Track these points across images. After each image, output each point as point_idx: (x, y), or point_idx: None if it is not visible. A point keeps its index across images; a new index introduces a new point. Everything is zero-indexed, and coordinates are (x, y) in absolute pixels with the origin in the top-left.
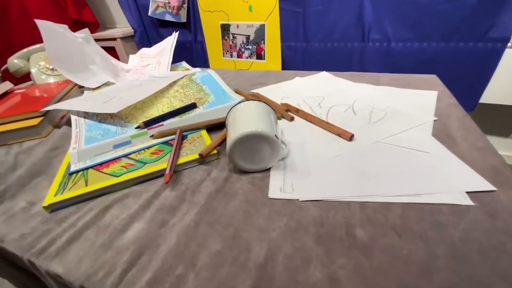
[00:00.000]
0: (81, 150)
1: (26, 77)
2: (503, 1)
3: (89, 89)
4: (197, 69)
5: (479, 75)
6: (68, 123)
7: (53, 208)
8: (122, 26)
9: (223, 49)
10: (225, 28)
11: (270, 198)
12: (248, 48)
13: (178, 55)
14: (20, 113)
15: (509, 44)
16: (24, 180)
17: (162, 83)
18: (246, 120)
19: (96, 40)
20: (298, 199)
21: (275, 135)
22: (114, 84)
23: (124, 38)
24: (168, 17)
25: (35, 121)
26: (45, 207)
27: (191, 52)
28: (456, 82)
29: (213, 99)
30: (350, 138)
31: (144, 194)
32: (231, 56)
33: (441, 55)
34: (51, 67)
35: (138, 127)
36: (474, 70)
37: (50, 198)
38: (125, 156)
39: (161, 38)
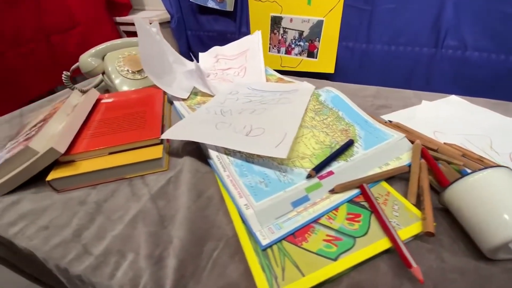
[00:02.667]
0: (259, 211)
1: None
2: None
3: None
4: (307, 84)
5: None
6: (183, 150)
7: None
8: (151, 9)
9: (270, 44)
10: (276, 21)
11: None
12: (299, 45)
13: (219, 44)
14: (137, 141)
15: None
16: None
17: (294, 105)
18: None
19: (128, 24)
20: None
21: None
22: (209, 97)
23: (161, 24)
24: (212, 4)
25: (158, 152)
26: None
27: None
28: None
29: (363, 133)
30: None
31: None
32: (278, 51)
33: None
34: (132, 70)
35: (309, 176)
36: None
37: None
38: (315, 221)
39: (199, 26)
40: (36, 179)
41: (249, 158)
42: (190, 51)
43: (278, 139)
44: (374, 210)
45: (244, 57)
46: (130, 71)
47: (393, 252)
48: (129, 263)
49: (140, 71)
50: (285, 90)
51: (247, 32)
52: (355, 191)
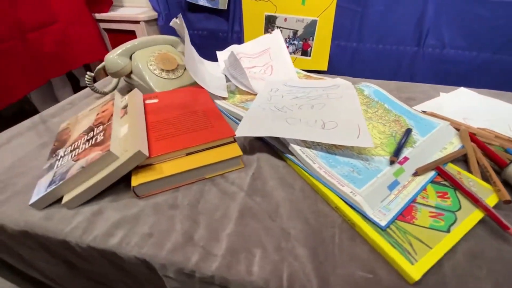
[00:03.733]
0: (366, 196)
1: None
2: None
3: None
4: (341, 80)
5: None
6: (250, 147)
7: None
8: (134, 5)
9: None
10: (270, 20)
11: None
12: (294, 44)
13: (208, 46)
14: (214, 140)
15: None
16: None
17: (348, 99)
18: None
19: (113, 21)
20: None
21: None
22: (247, 94)
23: (147, 22)
24: (202, 2)
25: (236, 150)
26: None
27: (224, 42)
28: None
29: (412, 123)
30: None
31: None
32: None
33: (488, 65)
34: (166, 69)
35: (392, 162)
36: None
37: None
38: (413, 201)
39: (189, 24)
40: (109, 187)
41: (330, 150)
42: None
43: (355, 130)
44: (458, 186)
45: (268, 55)
46: (164, 71)
47: (485, 221)
48: (260, 258)
49: (173, 71)
50: (326, 86)
51: (240, 31)
52: (433, 173)
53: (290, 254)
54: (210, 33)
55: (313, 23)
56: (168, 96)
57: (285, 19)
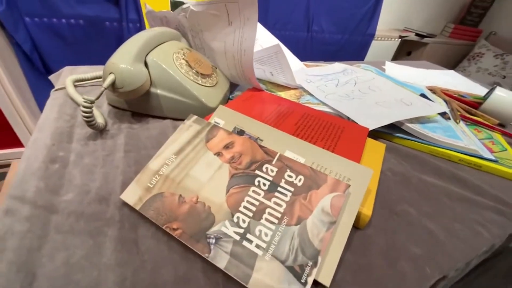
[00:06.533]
0: (470, 142)
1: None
2: (371, 15)
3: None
4: (340, 64)
5: (360, 55)
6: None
7: None
8: None
9: None
10: (177, 6)
11: None
12: None
13: (86, 40)
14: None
15: (374, 38)
16: None
17: (379, 79)
18: None
19: None
20: None
21: None
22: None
23: None
24: None
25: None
26: None
27: (116, 35)
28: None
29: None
30: None
31: None
32: None
33: (348, 44)
34: (204, 73)
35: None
36: (360, 54)
37: None
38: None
39: (49, 10)
40: None
41: (419, 121)
42: (34, 48)
43: (421, 101)
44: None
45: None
46: (200, 75)
47: None
48: None
49: (210, 75)
50: (337, 72)
51: (138, 20)
52: None
53: None
54: (89, 22)
55: None
56: (249, 106)
57: None
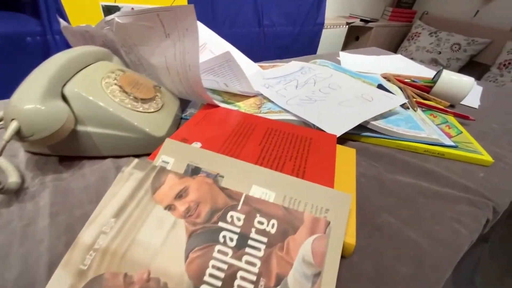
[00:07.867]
0: (431, 132)
1: None
2: (318, 4)
3: None
4: (297, 62)
5: (313, 45)
6: None
7: None
8: None
9: None
10: (111, 12)
11: None
12: None
13: (16, 58)
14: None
15: (324, 27)
16: None
17: (338, 75)
18: None
19: None
20: None
21: None
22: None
23: None
24: None
25: None
26: None
27: (44, 49)
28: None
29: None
30: None
31: None
32: None
33: (300, 35)
34: (142, 98)
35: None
36: (312, 43)
37: None
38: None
39: None
40: None
41: (382, 117)
42: None
43: (382, 95)
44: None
45: (209, 51)
46: (140, 101)
47: None
48: None
49: (153, 98)
50: (295, 71)
51: None
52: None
53: None
54: (6, 39)
55: None
56: (215, 128)
57: (132, 9)
